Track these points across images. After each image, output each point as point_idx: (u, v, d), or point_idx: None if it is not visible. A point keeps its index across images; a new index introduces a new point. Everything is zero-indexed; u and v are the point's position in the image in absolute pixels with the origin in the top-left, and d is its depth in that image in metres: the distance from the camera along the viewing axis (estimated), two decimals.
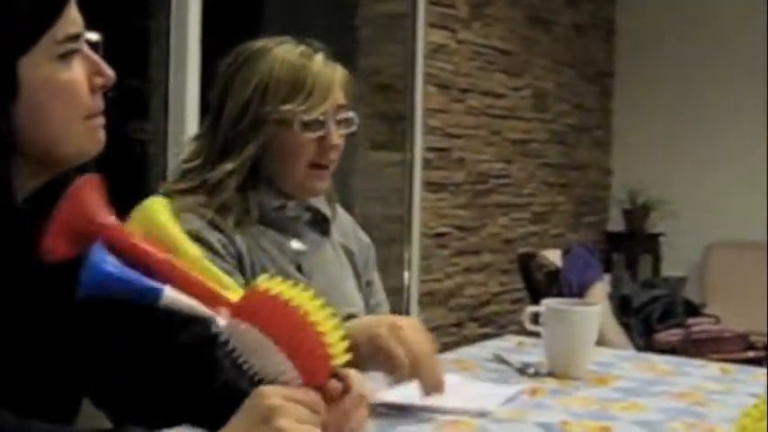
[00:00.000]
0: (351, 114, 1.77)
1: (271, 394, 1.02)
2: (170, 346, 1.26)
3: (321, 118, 1.71)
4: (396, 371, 1.41)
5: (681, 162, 6.08)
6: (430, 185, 4.72)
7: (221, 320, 1.04)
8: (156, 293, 1.03)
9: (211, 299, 1.05)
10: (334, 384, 1.05)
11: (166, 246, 1.06)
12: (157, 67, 3.66)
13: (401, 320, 1.49)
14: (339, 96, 1.74)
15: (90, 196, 1.05)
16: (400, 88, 4.62)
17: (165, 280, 1.03)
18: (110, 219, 1.05)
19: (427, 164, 4.69)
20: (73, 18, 1.09)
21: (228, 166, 1.70)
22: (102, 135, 1.14)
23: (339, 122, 1.74)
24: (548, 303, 1.80)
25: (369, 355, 1.40)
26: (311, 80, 1.70)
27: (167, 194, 1.71)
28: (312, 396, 1.03)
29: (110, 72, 1.12)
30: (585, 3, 5.98)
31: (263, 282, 1.04)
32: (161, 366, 1.24)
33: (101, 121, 1.14)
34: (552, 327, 1.77)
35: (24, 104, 1.05)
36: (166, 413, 1.22)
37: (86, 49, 1.11)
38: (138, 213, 1.08)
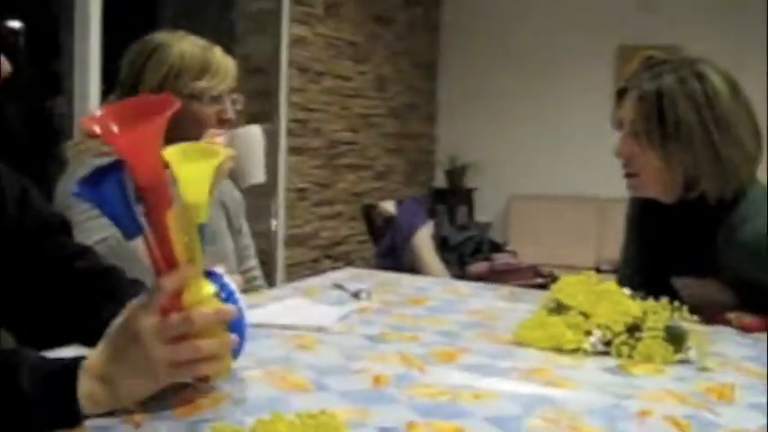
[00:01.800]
0: (239, 96, 1.83)
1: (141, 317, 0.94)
2: (68, 273, 1.21)
3: (221, 95, 1.75)
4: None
5: (490, 131, 6.21)
6: (293, 150, 4.69)
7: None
8: (130, 236, 0.94)
9: (165, 269, 0.95)
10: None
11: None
12: (69, 51, 3.52)
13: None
14: (233, 80, 1.79)
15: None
16: (269, 71, 4.56)
17: (148, 228, 0.94)
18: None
19: (291, 132, 4.66)
20: None
21: None
22: None
23: (232, 102, 1.79)
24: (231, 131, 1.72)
25: None
26: (215, 64, 1.75)
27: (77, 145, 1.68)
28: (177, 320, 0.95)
29: (5, 63, 1.05)
30: (416, 5, 6.00)
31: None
32: (59, 291, 1.19)
33: None
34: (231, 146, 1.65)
35: None
36: (62, 336, 1.16)
37: None
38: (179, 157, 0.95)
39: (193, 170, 0.96)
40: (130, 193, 0.95)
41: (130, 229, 0.95)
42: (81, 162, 1.64)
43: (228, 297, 1.06)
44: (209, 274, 1.04)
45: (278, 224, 4.62)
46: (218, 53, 1.78)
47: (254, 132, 1.76)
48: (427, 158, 6.42)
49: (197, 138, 1.70)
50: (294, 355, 1.27)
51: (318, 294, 1.79)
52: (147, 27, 2.07)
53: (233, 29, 4.63)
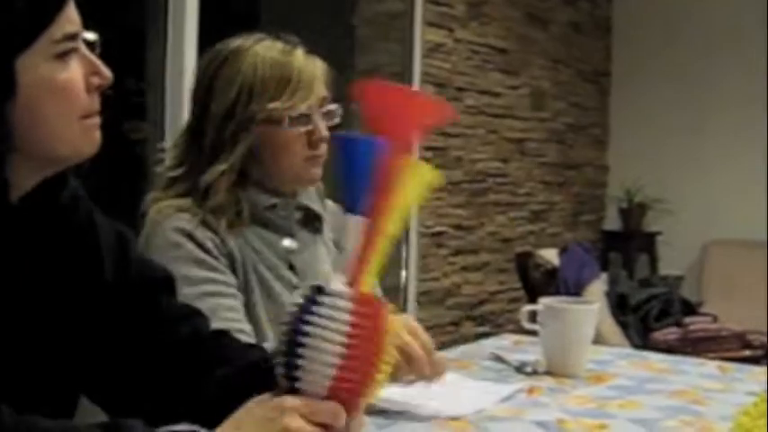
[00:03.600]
0: (334, 106, 1.75)
1: (293, 409, 1.01)
2: (170, 339, 1.25)
3: (307, 112, 1.71)
4: (413, 363, 1.40)
5: (677, 161, 6.09)
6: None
7: (338, 285, 1.04)
8: (352, 208, 1.04)
9: (361, 266, 1.05)
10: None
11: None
12: (154, 68, 3.65)
13: (395, 320, 1.49)
14: (321, 89, 1.73)
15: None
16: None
17: (371, 215, 1.04)
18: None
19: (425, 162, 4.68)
20: (71, 17, 1.07)
21: (220, 167, 1.68)
22: (97, 135, 1.12)
23: (324, 115, 1.73)
24: (545, 302, 1.79)
25: None
26: (296, 76, 1.69)
27: (157, 201, 1.72)
28: (330, 408, 1.02)
29: (107, 72, 1.11)
30: (583, 1, 5.99)
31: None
32: (160, 359, 1.23)
33: (97, 120, 1.12)
34: (549, 325, 1.76)
35: (21, 104, 1.04)
36: (163, 408, 1.21)
37: (84, 48, 1.10)
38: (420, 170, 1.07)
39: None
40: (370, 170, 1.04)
41: (354, 202, 1.03)
42: (166, 216, 1.68)
43: None
44: None
45: (409, 277, 4.64)
46: (299, 59, 1.72)
47: (589, 312, 1.81)
48: (598, 193, 6.34)
49: (285, 169, 1.72)
50: None
51: (472, 367, 1.78)
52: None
53: (353, 36, 4.72)
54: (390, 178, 1.03)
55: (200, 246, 1.65)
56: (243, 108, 1.69)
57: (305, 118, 1.70)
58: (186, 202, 1.69)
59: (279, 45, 1.73)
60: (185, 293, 1.55)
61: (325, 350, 1.01)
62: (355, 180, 1.03)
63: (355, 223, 1.03)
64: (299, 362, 1.02)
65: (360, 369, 1.03)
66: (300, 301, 1.03)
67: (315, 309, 1.01)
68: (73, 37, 1.07)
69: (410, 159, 1.04)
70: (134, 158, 3.94)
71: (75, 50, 1.08)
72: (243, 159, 1.70)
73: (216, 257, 1.66)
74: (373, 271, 1.05)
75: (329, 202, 1.92)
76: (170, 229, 1.66)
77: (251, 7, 5.07)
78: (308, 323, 1.01)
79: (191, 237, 1.65)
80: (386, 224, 1.04)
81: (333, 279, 1.05)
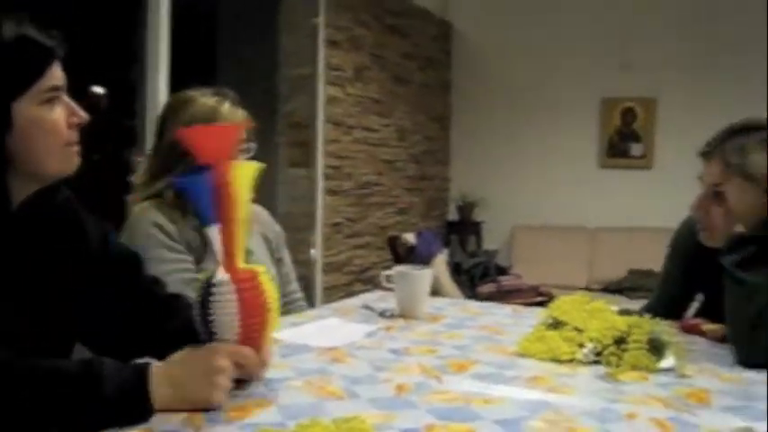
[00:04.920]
0: (250, 145, 1.69)
1: (221, 353, 1.01)
2: (137, 298, 1.22)
3: None
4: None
5: (495, 173, 6.20)
6: (329, 191, 4.70)
7: (221, 275, 1.02)
8: (206, 222, 1.03)
9: (230, 256, 1.03)
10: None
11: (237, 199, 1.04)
12: (140, 111, 3.57)
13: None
14: (241, 133, 1.67)
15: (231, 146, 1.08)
16: (308, 125, 4.59)
17: (220, 221, 1.03)
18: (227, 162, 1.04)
19: (327, 176, 4.67)
20: (56, 74, 1.03)
21: (161, 184, 1.66)
22: (76, 159, 1.08)
23: (241, 151, 1.68)
24: (397, 268, 1.79)
25: None
26: (221, 120, 1.64)
27: (134, 202, 1.68)
28: (244, 351, 1.05)
29: (83, 114, 1.06)
30: (430, 69, 6.03)
31: (256, 266, 1.05)
32: (131, 313, 1.20)
33: (76, 149, 1.08)
34: (400, 284, 1.77)
35: (17, 135, 1.00)
36: (133, 348, 1.17)
37: (65, 96, 1.06)
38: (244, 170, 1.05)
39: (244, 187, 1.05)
40: (209, 193, 1.03)
41: (210, 218, 1.03)
42: (143, 212, 1.64)
43: None
44: None
45: (317, 253, 4.62)
46: (225, 110, 1.66)
47: (425, 275, 1.75)
48: (442, 196, 6.40)
49: None
50: (329, 367, 1.26)
51: (351, 314, 1.78)
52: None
53: (277, 90, 4.67)
54: (223, 190, 1.02)
55: (168, 235, 1.62)
56: (181, 144, 1.65)
57: None
58: (158, 201, 1.66)
59: (215, 97, 1.69)
60: (159, 269, 1.52)
61: (227, 323, 1.03)
62: (201, 203, 1.03)
63: (213, 230, 1.03)
64: (213, 329, 1.03)
65: (255, 320, 1.03)
66: (200, 293, 1.04)
67: (212, 298, 1.02)
68: (56, 88, 1.03)
69: (233, 168, 1.03)
70: (127, 176, 3.83)
71: (58, 98, 1.04)
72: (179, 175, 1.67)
73: (179, 242, 1.63)
74: (240, 251, 1.05)
75: (257, 207, 1.89)
76: (147, 222, 1.62)
77: (209, 67, 4.99)
78: (210, 307, 1.02)
79: (161, 228, 1.62)
80: (232, 220, 1.03)
81: (218, 270, 1.04)
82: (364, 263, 5.15)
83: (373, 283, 5.17)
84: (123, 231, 1.62)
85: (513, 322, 1.72)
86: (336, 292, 4.61)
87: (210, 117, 1.65)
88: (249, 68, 4.80)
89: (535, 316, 1.76)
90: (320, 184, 4.62)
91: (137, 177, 1.73)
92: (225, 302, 1.02)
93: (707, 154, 1.57)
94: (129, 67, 3.91)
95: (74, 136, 1.07)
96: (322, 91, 4.58)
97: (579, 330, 1.38)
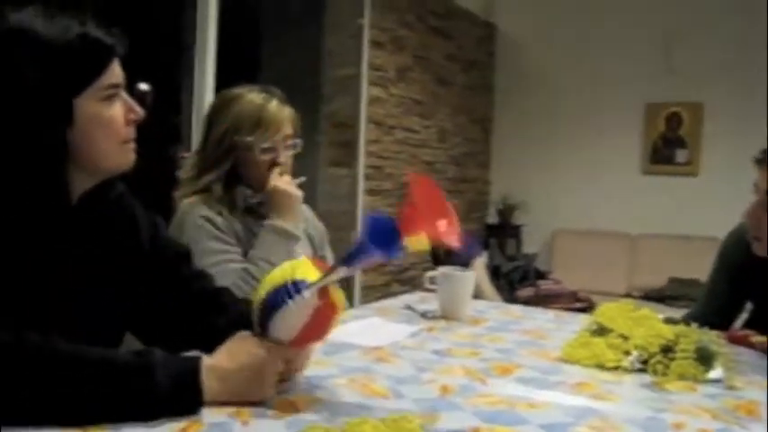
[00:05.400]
0: (296, 141, 1.74)
1: (270, 349, 1.01)
2: (188, 292, 1.23)
3: (273, 145, 1.70)
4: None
5: (536, 176, 6.15)
6: (369, 191, 4.71)
7: (307, 294, 0.99)
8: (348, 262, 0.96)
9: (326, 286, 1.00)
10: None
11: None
12: (186, 107, 3.62)
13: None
14: (287, 129, 1.71)
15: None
16: (350, 125, 4.60)
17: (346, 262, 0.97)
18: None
19: (368, 177, 4.68)
20: (116, 72, 1.06)
21: (211, 176, 1.69)
22: (132, 155, 1.10)
23: (287, 147, 1.72)
24: (440, 269, 1.80)
25: None
26: (267, 119, 1.68)
27: (182, 197, 1.70)
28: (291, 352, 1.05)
29: (140, 110, 1.09)
30: (473, 70, 6.00)
31: (333, 292, 1.01)
32: (181, 306, 1.22)
33: (132, 145, 1.10)
34: (443, 286, 1.77)
35: (78, 131, 1.02)
36: (181, 341, 1.18)
37: (123, 93, 1.08)
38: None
39: None
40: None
41: (352, 258, 0.96)
42: (193, 206, 1.67)
43: None
44: None
45: None
46: (272, 108, 1.69)
47: (468, 277, 1.77)
48: (482, 199, 6.37)
49: (257, 178, 1.71)
50: (374, 366, 1.26)
51: (393, 314, 1.78)
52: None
53: (321, 91, 4.70)
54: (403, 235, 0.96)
55: (217, 227, 1.64)
56: (229, 138, 1.68)
57: (271, 149, 1.70)
58: (206, 196, 1.68)
59: (262, 95, 1.72)
60: (209, 260, 1.55)
61: (289, 328, 1.01)
62: (374, 240, 0.96)
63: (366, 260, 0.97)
64: (271, 325, 1.02)
65: (312, 338, 1.03)
66: (277, 286, 1.01)
67: (289, 299, 0.99)
68: (116, 86, 1.06)
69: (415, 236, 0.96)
70: (173, 170, 3.89)
71: (117, 95, 1.07)
72: (230, 170, 1.69)
73: (227, 234, 1.65)
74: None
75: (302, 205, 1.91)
76: (197, 215, 1.65)
77: (253, 66, 5.03)
78: (281, 305, 1.00)
79: (210, 221, 1.64)
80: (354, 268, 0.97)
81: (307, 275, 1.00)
82: (402, 263, 5.15)
83: (411, 284, 5.17)
84: (172, 225, 1.65)
85: (556, 327, 1.72)
86: (374, 292, 4.62)
87: (257, 114, 1.68)
88: (293, 68, 4.83)
89: (578, 321, 1.75)
90: (361, 183, 4.63)
91: (183, 173, 1.76)
92: (298, 309, 0.99)
93: (761, 161, 1.54)
94: (175, 65, 3.96)
95: (131, 132, 1.10)
96: (365, 91, 4.60)
97: (625, 338, 1.37)
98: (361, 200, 4.64)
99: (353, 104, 4.59)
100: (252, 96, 1.71)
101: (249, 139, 1.67)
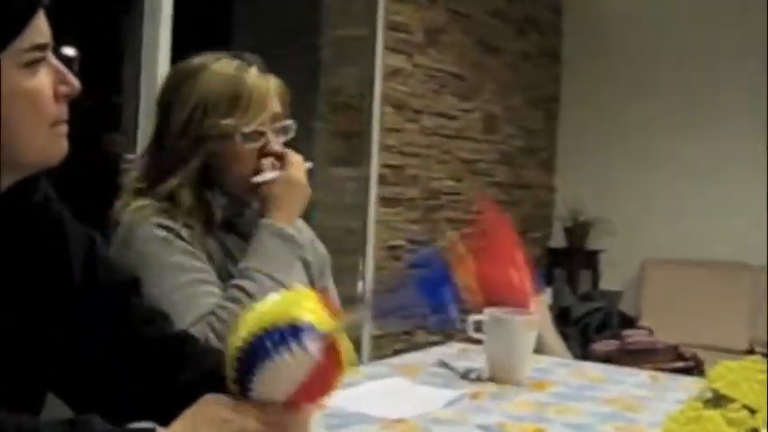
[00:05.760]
0: (288, 122, 1.75)
1: (253, 416, 1.01)
2: (136, 340, 1.24)
3: (260, 129, 1.70)
4: None
5: (620, 183, 6.13)
6: (385, 201, 4.72)
7: (312, 345, 1.00)
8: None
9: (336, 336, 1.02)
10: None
11: None
12: (130, 83, 3.65)
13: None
14: (275, 106, 1.72)
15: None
16: (359, 107, 4.61)
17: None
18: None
19: (383, 180, 4.69)
20: (40, 28, 1.05)
21: (174, 181, 1.68)
22: (65, 143, 1.10)
23: (278, 131, 1.73)
24: (490, 312, 1.79)
25: None
26: (247, 93, 1.68)
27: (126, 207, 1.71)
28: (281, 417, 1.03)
29: (75, 81, 1.09)
30: (533, 32, 6.02)
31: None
32: (125, 359, 1.22)
33: (65, 129, 1.10)
34: (493, 334, 1.77)
35: None
36: (126, 406, 1.19)
37: (53, 58, 1.08)
38: None
39: None
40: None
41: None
42: (147, 215, 1.67)
43: None
44: None
45: (365, 287, 4.63)
46: (251, 78, 1.70)
47: (529, 322, 1.82)
48: (544, 213, 6.37)
49: (238, 179, 1.71)
50: None
51: (421, 374, 1.78)
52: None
53: (318, 58, 4.71)
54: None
55: (183, 239, 1.65)
56: (197, 124, 1.68)
57: (257, 134, 1.69)
58: (164, 205, 1.69)
59: (234, 63, 1.72)
60: (173, 281, 1.57)
61: (283, 380, 1.00)
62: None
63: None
64: (256, 381, 1.01)
65: (312, 394, 1.02)
66: (261, 331, 1.00)
67: (283, 348, 0.98)
68: (41, 47, 1.06)
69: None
70: (108, 169, 3.92)
71: (43, 60, 1.07)
72: (201, 171, 1.70)
73: (195, 254, 1.66)
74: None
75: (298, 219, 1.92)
76: (154, 225, 1.65)
77: (223, 28, 5.05)
78: (274, 355, 0.99)
79: (172, 231, 1.65)
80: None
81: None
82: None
83: (444, 333, 5.16)
84: (114, 244, 1.66)
85: (652, 395, 1.72)
86: (390, 342, 4.62)
87: (232, 88, 1.68)
88: (279, 29, 4.85)
89: (683, 387, 1.74)
90: (374, 190, 4.64)
91: (132, 180, 1.75)
92: (297, 364, 0.98)
93: None
94: (114, 24, 4.00)
95: (63, 112, 1.09)
96: (380, 60, 4.62)
97: (752, 410, 1.36)
98: (374, 213, 4.65)
99: (364, 78, 4.61)
100: (221, 65, 1.72)
101: (225, 122, 1.67)
